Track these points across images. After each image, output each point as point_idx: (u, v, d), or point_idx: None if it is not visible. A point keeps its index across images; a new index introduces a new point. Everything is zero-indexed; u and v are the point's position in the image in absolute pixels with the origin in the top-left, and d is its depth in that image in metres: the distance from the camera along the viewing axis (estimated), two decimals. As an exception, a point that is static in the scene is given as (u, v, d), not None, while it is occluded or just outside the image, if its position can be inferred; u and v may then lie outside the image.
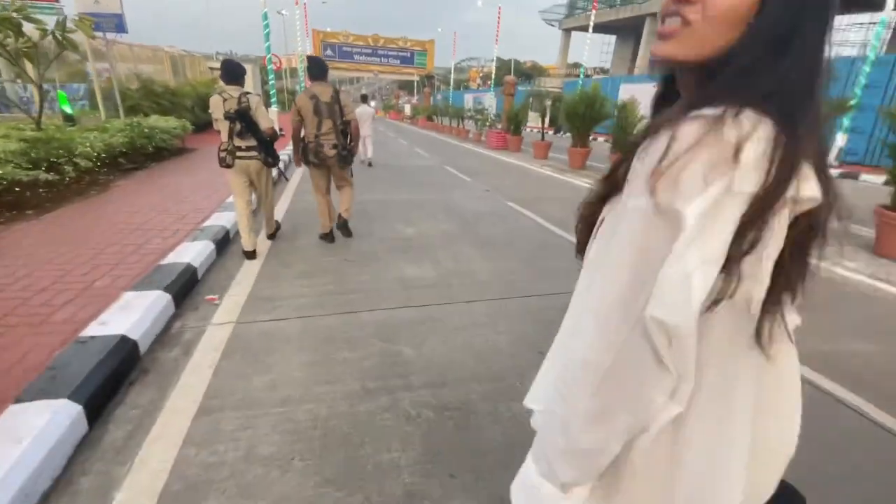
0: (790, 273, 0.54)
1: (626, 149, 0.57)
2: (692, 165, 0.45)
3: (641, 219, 0.49)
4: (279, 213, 5.21)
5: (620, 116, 8.87)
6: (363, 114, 9.41)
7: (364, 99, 11.25)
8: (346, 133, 4.02)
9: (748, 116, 0.45)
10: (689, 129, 0.46)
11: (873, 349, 2.71)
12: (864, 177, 9.81)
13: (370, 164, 9.90)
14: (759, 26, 0.49)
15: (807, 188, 0.48)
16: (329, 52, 48.44)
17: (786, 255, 0.51)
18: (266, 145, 3.71)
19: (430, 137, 19.99)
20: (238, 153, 3.62)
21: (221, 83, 3.73)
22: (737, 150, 0.44)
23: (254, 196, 4.06)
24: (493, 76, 32.08)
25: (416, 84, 53.33)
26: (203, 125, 13.33)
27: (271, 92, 13.87)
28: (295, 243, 4.37)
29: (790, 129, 0.46)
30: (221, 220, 4.48)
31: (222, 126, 3.56)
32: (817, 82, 0.50)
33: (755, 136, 0.45)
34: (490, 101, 29.53)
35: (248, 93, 3.62)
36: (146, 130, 7.51)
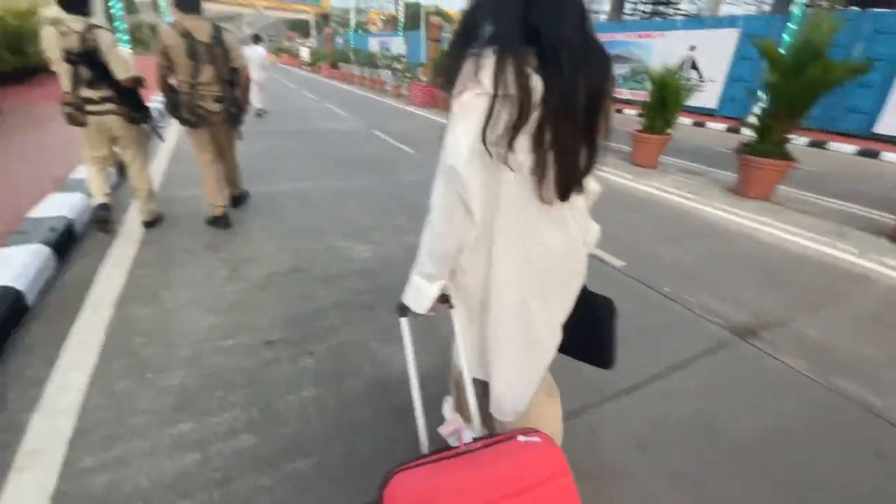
0: (549, 151, 0.92)
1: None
2: (461, 80, 0.87)
3: (451, 110, 0.90)
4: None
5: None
6: (252, 56, 8.40)
7: (256, 39, 9.43)
8: (234, 84, 3.17)
9: (486, 52, 0.85)
10: (466, 62, 0.87)
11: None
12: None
13: (259, 115, 8.87)
14: (482, 6, 0.92)
15: (535, 89, 0.86)
16: (199, -21, 40.15)
17: (540, 138, 0.90)
18: (128, 95, 2.87)
19: (340, 90, 17.13)
20: (89, 106, 2.79)
21: (55, 11, 2.65)
22: (477, 71, 0.85)
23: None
24: (401, 17, 28.89)
25: (311, 24, 47.16)
26: (18, 73, 9.49)
27: (117, 25, 10.21)
28: (171, 276, 2.46)
29: (507, 59, 0.84)
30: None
31: (62, 70, 2.71)
32: (515, 31, 0.87)
33: (486, 63, 0.84)
34: (399, 46, 26.66)
35: (96, 26, 2.71)
36: None
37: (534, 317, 1.05)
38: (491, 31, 0.87)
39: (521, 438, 0.98)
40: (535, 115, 0.87)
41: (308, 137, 7.32)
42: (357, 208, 4.06)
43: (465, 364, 1.13)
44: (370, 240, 3.37)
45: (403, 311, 1.08)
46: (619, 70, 16.49)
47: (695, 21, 16.12)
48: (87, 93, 2.74)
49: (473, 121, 0.86)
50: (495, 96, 0.84)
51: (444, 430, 1.04)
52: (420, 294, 1.02)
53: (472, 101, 0.85)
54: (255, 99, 8.49)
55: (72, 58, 2.63)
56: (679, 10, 34.38)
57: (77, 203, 3.28)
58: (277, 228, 3.49)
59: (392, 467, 0.91)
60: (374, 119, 9.95)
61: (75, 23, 2.63)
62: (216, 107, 3.06)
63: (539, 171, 0.92)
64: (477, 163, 0.88)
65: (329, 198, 4.31)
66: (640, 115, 6.43)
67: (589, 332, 1.18)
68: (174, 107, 3.02)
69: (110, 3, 10.36)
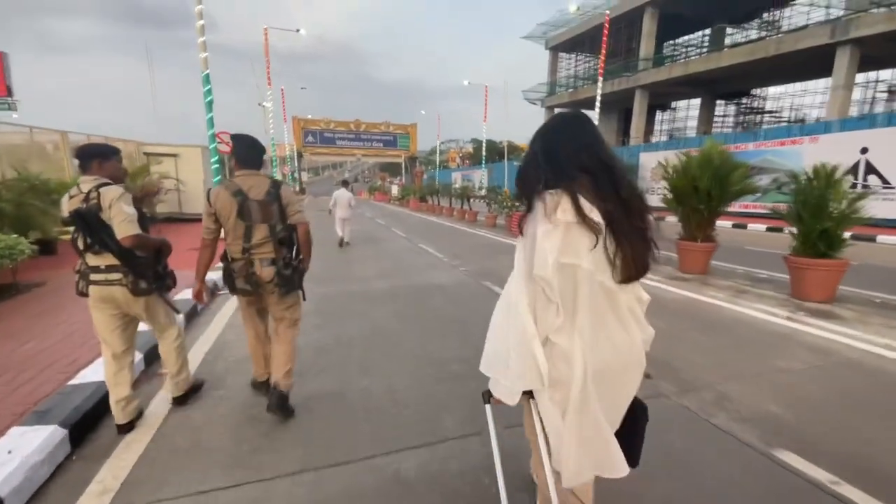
0: (621, 243, 1.22)
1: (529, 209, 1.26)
2: (539, 216, 1.19)
3: (529, 238, 1.21)
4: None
5: (806, 191, 4.96)
6: (340, 197, 9.59)
7: (345, 184, 9.70)
8: (292, 243, 2.61)
9: (551, 193, 1.19)
10: (539, 203, 1.20)
11: None
12: None
13: (344, 244, 9.75)
14: (534, 163, 1.28)
15: (593, 216, 1.17)
16: (310, 138, 46.63)
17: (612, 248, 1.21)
18: (129, 260, 2.30)
19: (430, 223, 16.10)
20: (93, 275, 2.32)
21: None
22: (552, 208, 1.17)
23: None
24: (483, 153, 29.67)
25: (402, 165, 51.67)
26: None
27: (215, 180, 9.94)
28: None
29: (567, 194, 1.18)
30: None
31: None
32: (569, 173, 1.21)
33: (554, 200, 1.17)
34: (481, 177, 26.65)
35: (106, 183, 2.29)
36: None
37: (596, 404, 1.25)
38: (554, 173, 1.23)
39: None
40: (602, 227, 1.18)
41: (404, 303, 5.20)
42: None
43: (546, 452, 1.30)
44: None
45: (487, 398, 1.32)
46: (759, 181, 13.86)
47: (860, 121, 13.30)
48: (93, 260, 2.32)
49: (555, 241, 1.16)
50: (569, 223, 1.16)
51: None
52: (508, 389, 1.26)
53: (552, 228, 1.17)
54: (339, 230, 9.84)
55: (67, 220, 2.26)
56: (781, 118, 32.14)
57: None
58: None
59: None
60: (480, 261, 7.88)
61: (85, 183, 2.28)
62: (267, 271, 2.48)
63: (615, 258, 1.21)
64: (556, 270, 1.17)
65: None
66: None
67: (627, 430, 1.34)
68: (228, 276, 2.56)
69: (211, 159, 10.26)
